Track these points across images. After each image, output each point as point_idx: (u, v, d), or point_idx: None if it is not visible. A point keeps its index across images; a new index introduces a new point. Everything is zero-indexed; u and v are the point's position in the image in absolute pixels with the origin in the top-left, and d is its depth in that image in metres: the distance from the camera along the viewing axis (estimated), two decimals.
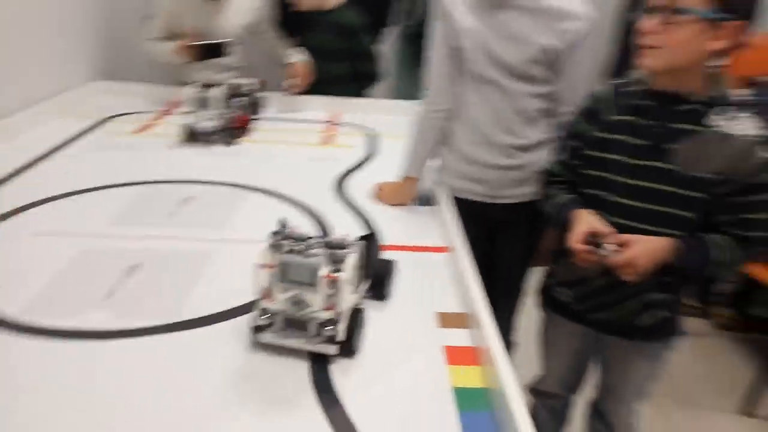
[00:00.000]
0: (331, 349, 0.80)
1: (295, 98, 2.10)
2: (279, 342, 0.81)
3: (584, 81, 1.28)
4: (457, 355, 0.85)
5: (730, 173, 0.98)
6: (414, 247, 1.17)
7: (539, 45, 1.23)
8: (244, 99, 1.86)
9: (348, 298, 0.81)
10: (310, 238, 0.82)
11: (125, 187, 1.37)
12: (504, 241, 1.48)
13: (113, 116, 1.92)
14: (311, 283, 0.77)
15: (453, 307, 0.97)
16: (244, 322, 0.87)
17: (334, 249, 0.81)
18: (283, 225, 0.83)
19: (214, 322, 0.89)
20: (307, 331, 0.80)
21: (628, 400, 1.27)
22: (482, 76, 1.29)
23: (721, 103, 0.99)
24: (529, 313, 1.45)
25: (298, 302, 0.78)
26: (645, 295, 1.10)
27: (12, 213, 1.21)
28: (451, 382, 0.80)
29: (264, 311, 0.80)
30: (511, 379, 0.74)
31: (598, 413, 1.33)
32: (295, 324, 0.80)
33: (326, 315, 0.78)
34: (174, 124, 1.79)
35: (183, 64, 1.96)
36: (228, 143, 1.70)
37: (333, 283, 0.77)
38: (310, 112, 2.08)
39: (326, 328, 0.79)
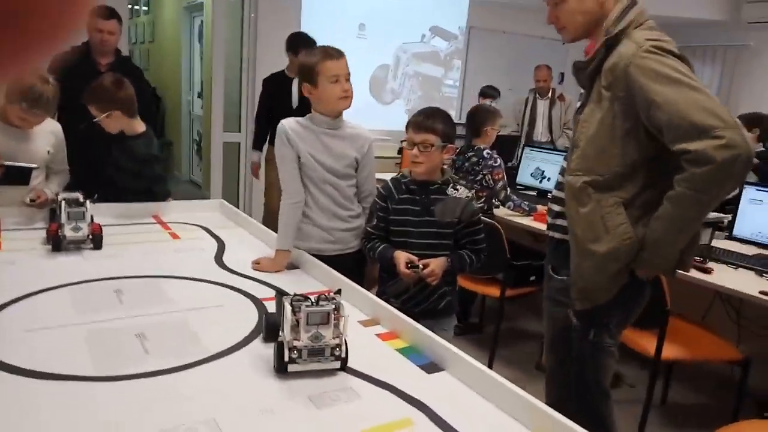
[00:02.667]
0: (337, 365, 1.21)
1: (115, 205, 2.37)
2: (306, 368, 1.18)
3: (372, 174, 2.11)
4: (385, 337, 1.45)
5: (461, 216, 1.86)
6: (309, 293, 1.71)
7: (353, 156, 1.99)
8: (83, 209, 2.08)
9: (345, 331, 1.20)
10: (308, 297, 1.19)
11: (57, 289, 1.57)
12: (352, 277, 2.10)
13: None
14: (326, 323, 1.17)
15: (366, 314, 1.57)
16: (245, 352, 1.32)
17: (323, 302, 1.19)
18: (283, 292, 1.25)
19: (228, 355, 1.30)
20: (323, 356, 1.18)
21: None
22: (323, 179, 1.97)
23: (449, 182, 1.91)
24: None
25: (316, 337, 1.17)
26: (439, 289, 1.89)
27: None
28: (393, 348, 1.39)
29: (293, 348, 1.17)
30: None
31: None
32: (315, 353, 1.18)
33: (335, 342, 1.19)
34: (22, 237, 1.93)
35: None
36: (98, 247, 1.94)
37: (338, 320, 1.19)
38: (126, 217, 2.36)
39: (335, 351, 1.19)
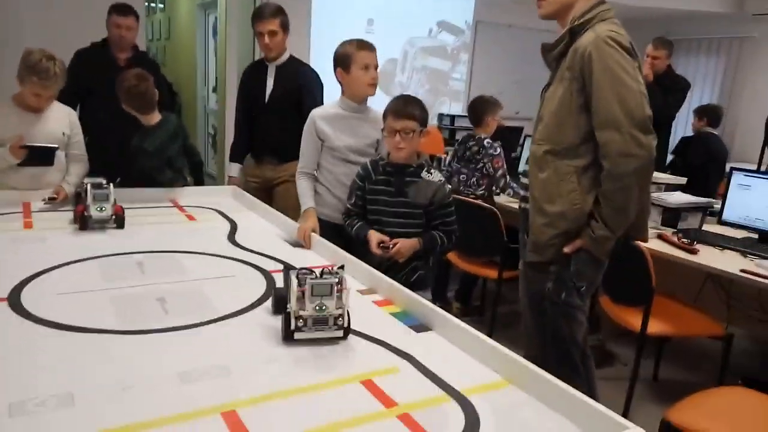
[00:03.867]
0: (340, 333, 1.30)
1: (136, 190, 2.54)
2: (311, 336, 1.27)
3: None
4: (380, 303, 1.60)
5: (433, 199, 1.99)
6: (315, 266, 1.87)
7: (375, 137, 2.25)
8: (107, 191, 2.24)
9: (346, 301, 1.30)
10: (312, 271, 1.29)
11: (85, 261, 1.74)
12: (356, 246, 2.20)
13: None
14: (329, 294, 1.27)
15: (364, 285, 1.72)
16: (254, 314, 1.47)
17: (327, 275, 1.29)
18: (290, 267, 1.39)
19: (238, 315, 1.46)
20: (327, 325, 1.28)
21: None
22: (343, 157, 2.26)
23: (424, 166, 2.03)
24: None
25: (320, 307, 1.27)
26: (411, 264, 2.02)
27: (23, 283, 1.53)
28: (387, 312, 1.54)
29: (299, 317, 1.27)
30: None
31: None
32: (319, 321, 1.28)
33: (338, 312, 1.28)
34: (51, 217, 2.11)
35: (4, 171, 2.33)
36: (121, 227, 2.11)
37: (341, 292, 1.28)
38: (146, 201, 2.53)
39: (338, 320, 1.29)
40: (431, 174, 2.04)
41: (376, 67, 2.26)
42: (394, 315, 1.53)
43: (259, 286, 1.66)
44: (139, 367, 1.17)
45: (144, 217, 2.30)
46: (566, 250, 1.80)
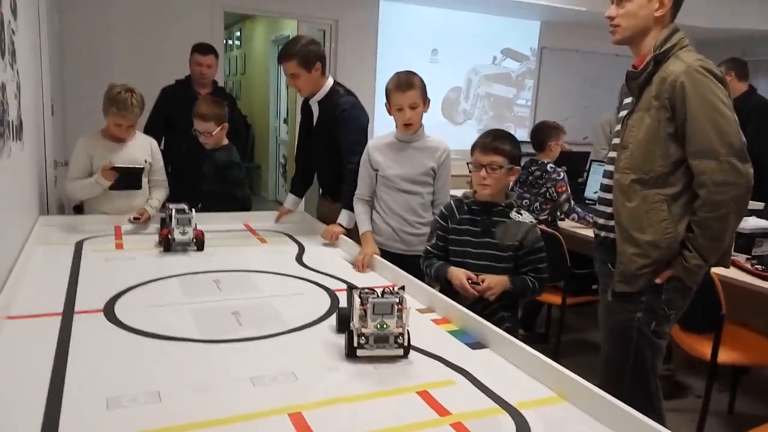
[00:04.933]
0: (400, 352, 1.35)
1: (213, 215, 2.74)
2: (372, 353, 1.32)
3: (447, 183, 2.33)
4: (438, 322, 1.67)
5: (523, 242, 1.88)
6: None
7: (429, 166, 2.27)
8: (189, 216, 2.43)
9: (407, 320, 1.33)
10: (374, 290, 1.34)
11: (168, 279, 1.91)
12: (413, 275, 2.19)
13: (80, 240, 2.34)
14: (390, 313, 1.32)
15: (423, 304, 1.79)
16: (319, 328, 1.57)
17: (388, 295, 1.33)
18: (353, 286, 1.41)
19: (305, 329, 1.56)
20: (387, 343, 1.33)
21: None
22: (397, 187, 2.30)
23: (513, 206, 1.93)
24: None
25: (381, 325, 1.31)
26: (497, 314, 1.86)
27: (116, 296, 1.72)
28: (445, 330, 1.60)
29: (361, 335, 1.32)
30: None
31: None
32: (380, 339, 1.33)
33: (398, 330, 1.33)
34: (139, 239, 2.32)
35: (97, 198, 2.57)
36: (201, 249, 2.28)
37: (401, 311, 1.32)
38: (223, 225, 2.72)
39: (398, 339, 1.34)
40: (521, 215, 1.92)
41: (414, 107, 2.21)
42: (452, 333, 1.59)
43: (324, 303, 1.76)
44: (216, 371, 1.28)
45: (221, 240, 2.47)
46: (658, 281, 1.78)
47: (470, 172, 1.94)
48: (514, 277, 1.89)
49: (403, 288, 1.37)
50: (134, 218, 2.59)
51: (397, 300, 1.32)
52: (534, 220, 1.95)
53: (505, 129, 2.13)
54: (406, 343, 1.35)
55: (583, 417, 1.18)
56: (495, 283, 1.84)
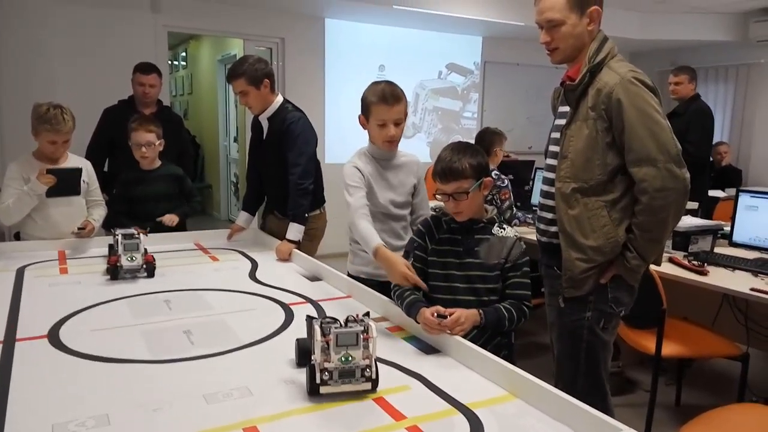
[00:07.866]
0: (368, 386, 1.23)
1: (162, 235, 2.69)
2: (337, 390, 1.20)
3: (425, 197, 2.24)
4: (392, 329, 1.68)
5: (508, 257, 1.74)
6: (328, 298, 1.96)
7: (411, 183, 2.16)
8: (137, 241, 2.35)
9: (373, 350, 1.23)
10: (336, 320, 1.23)
11: (114, 302, 1.86)
12: None
13: (22, 267, 2.26)
14: (355, 344, 1.20)
15: (377, 313, 1.80)
16: (274, 342, 1.56)
17: (352, 323, 1.23)
18: (312, 317, 1.27)
19: (259, 344, 1.55)
20: (354, 377, 1.21)
21: None
22: (383, 212, 2.11)
23: (494, 221, 1.80)
24: None
25: (346, 358, 1.20)
26: (495, 340, 1.72)
27: (61, 321, 1.66)
28: (399, 337, 1.62)
29: (324, 370, 1.19)
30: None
31: None
32: (345, 373, 1.20)
33: (365, 363, 1.21)
34: (85, 263, 2.25)
35: (33, 220, 2.51)
36: (151, 275, 2.18)
37: (367, 340, 1.22)
38: (172, 244, 2.68)
39: (365, 372, 1.22)
40: (504, 229, 1.79)
41: (398, 123, 2.05)
42: (406, 339, 1.61)
43: (279, 317, 1.75)
44: (168, 391, 1.26)
45: (171, 260, 2.43)
46: (602, 281, 1.84)
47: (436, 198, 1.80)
48: (485, 309, 1.66)
49: (368, 314, 1.28)
50: (78, 229, 2.52)
51: (363, 329, 1.22)
52: (517, 234, 1.82)
53: (454, 141, 1.97)
54: (374, 376, 1.24)
55: (534, 413, 1.21)
56: (465, 316, 1.58)
